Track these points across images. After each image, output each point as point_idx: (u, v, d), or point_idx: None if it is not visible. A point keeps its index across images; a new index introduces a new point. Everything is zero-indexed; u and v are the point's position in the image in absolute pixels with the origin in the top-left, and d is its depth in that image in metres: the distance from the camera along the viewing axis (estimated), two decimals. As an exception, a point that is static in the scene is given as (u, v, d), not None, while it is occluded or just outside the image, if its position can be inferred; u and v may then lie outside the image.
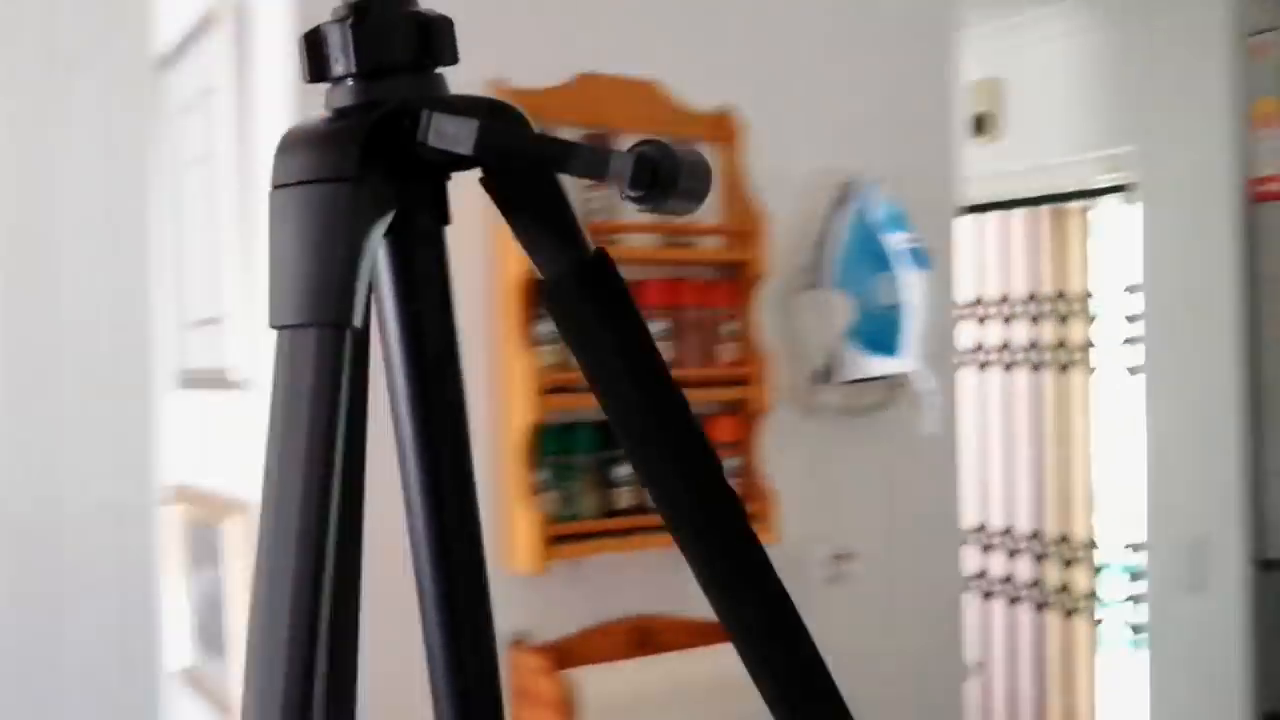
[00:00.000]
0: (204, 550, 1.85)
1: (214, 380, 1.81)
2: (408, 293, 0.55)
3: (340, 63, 0.54)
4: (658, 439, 0.55)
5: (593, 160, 0.50)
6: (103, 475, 2.37)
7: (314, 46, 0.54)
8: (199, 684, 1.95)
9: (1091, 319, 3.39)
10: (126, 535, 2.34)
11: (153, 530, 2.20)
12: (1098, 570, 3.40)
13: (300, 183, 0.52)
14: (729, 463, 1.85)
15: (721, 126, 1.87)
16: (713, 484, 0.55)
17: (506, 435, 1.66)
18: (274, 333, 0.52)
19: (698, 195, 0.51)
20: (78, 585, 2.36)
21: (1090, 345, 3.39)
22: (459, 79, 0.56)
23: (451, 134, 0.51)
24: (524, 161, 0.52)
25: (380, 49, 0.53)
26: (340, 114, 0.54)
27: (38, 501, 2.35)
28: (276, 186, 0.52)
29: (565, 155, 0.51)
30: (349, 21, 0.53)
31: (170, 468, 2.15)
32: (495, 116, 0.54)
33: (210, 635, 1.87)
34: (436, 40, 0.54)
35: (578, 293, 0.55)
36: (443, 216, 0.57)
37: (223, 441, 1.90)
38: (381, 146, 0.52)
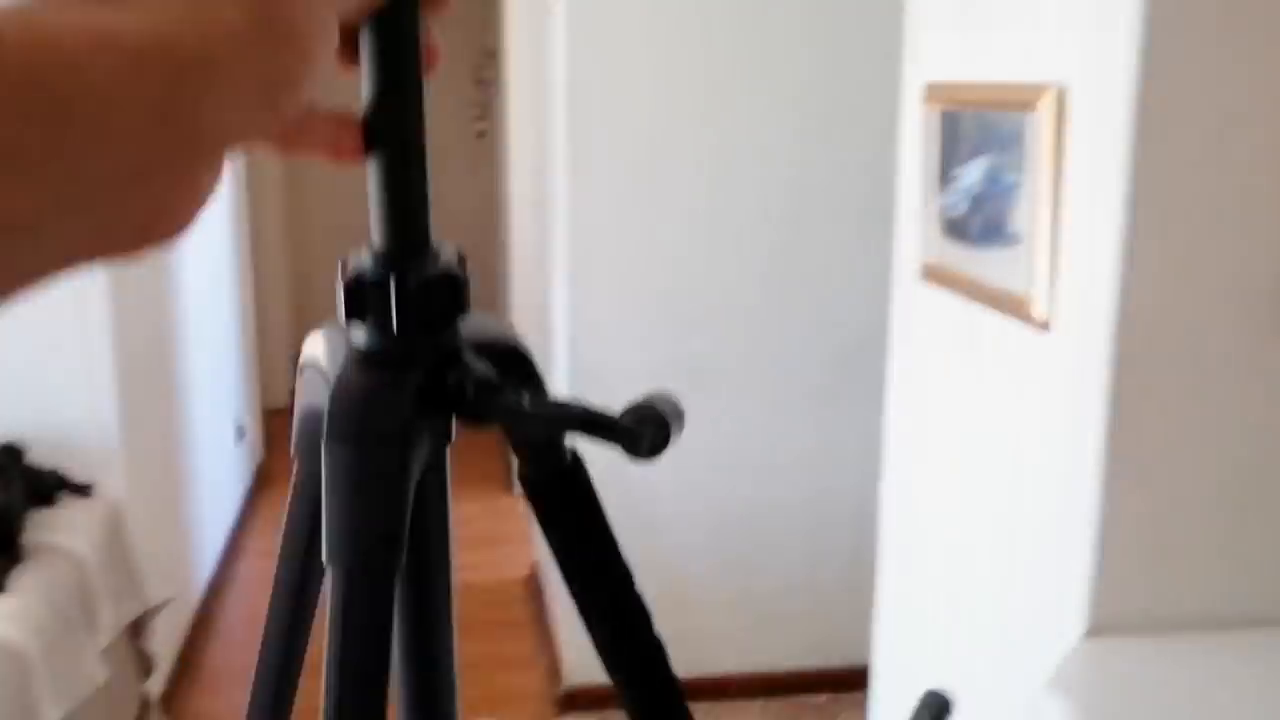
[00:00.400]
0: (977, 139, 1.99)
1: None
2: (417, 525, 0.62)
3: (378, 311, 0.57)
4: (610, 610, 0.68)
5: (603, 424, 0.56)
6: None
7: (352, 292, 0.57)
8: (941, 276, 2.16)
9: None
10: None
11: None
12: None
13: (353, 440, 0.57)
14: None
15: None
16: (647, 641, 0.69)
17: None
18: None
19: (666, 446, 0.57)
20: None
21: None
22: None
23: (506, 409, 0.57)
24: (554, 429, 0.60)
25: (421, 308, 0.57)
26: (381, 362, 0.58)
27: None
28: (329, 440, 0.57)
29: (585, 422, 0.56)
30: (391, 279, 0.56)
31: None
32: (513, 363, 0.61)
33: (962, 227, 2.05)
34: (463, 294, 0.59)
35: (559, 492, 0.66)
36: (448, 435, 0.64)
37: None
38: (427, 404, 0.58)
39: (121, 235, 0.32)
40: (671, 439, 0.56)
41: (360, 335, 0.59)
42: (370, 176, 0.53)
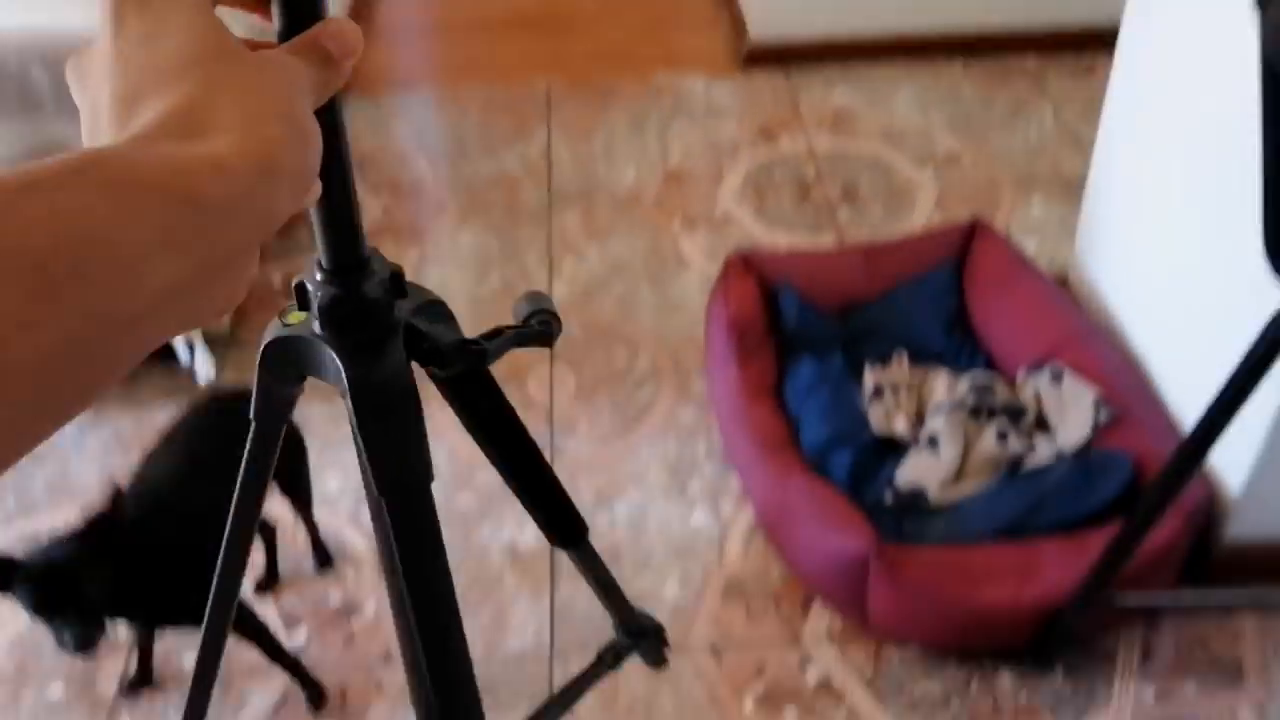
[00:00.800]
0: None
1: None
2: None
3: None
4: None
5: (527, 336, 0.76)
6: None
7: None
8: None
9: None
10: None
11: None
12: None
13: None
14: None
15: None
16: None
17: None
18: None
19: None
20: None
21: None
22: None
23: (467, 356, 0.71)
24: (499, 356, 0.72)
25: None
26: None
27: None
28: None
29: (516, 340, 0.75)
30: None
31: None
32: (440, 311, 0.72)
33: None
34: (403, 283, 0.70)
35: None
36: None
37: None
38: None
39: (219, 302, 0.41)
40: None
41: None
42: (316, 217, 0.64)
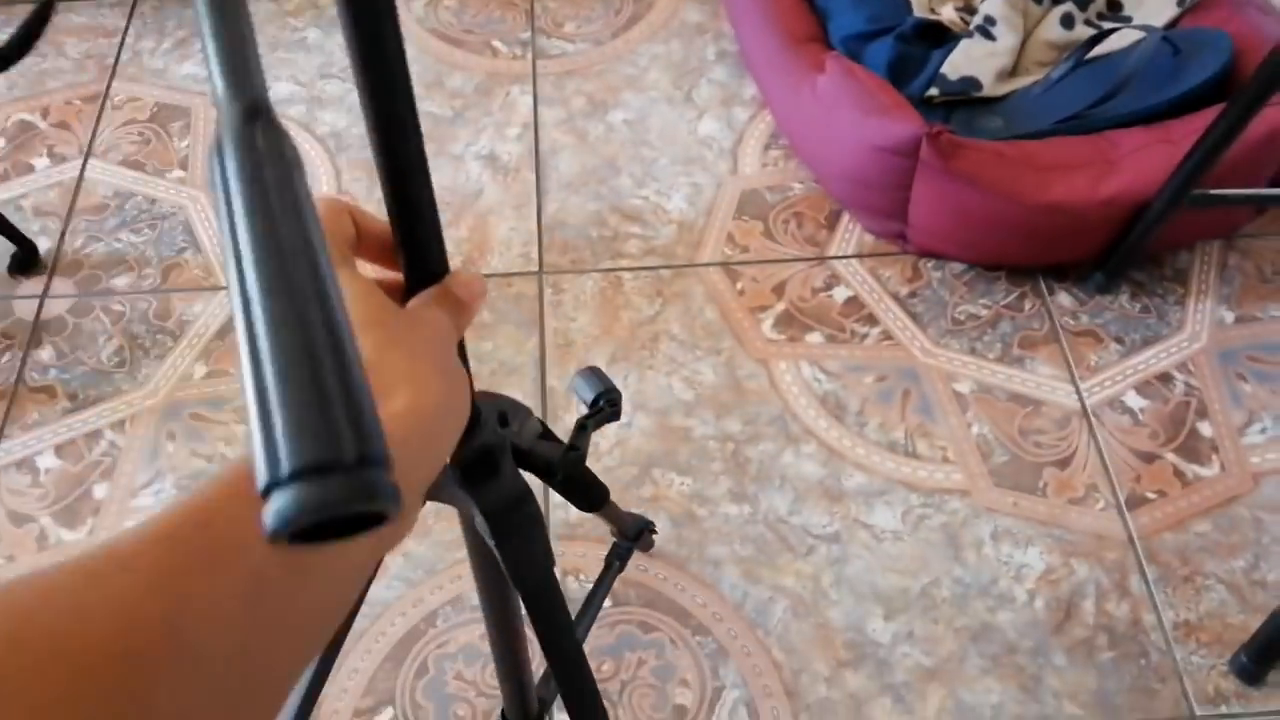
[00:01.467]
0: None
1: None
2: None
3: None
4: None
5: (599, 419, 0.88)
6: None
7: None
8: None
9: None
10: None
11: None
12: None
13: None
14: None
15: None
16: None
17: None
18: None
19: None
20: None
21: None
22: None
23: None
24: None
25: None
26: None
27: None
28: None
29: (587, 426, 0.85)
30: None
31: None
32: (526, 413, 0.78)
33: None
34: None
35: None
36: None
37: None
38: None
39: (397, 538, 0.44)
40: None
41: None
42: None
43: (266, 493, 0.24)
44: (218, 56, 0.28)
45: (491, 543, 0.73)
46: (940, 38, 1.72)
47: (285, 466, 0.24)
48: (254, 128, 0.28)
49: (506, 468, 0.72)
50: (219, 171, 0.28)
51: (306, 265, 0.27)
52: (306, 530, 0.24)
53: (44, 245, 1.69)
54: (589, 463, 0.86)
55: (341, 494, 0.24)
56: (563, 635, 0.81)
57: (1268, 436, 1.45)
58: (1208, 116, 1.40)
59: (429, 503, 0.61)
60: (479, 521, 0.72)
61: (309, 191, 0.28)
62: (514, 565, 0.74)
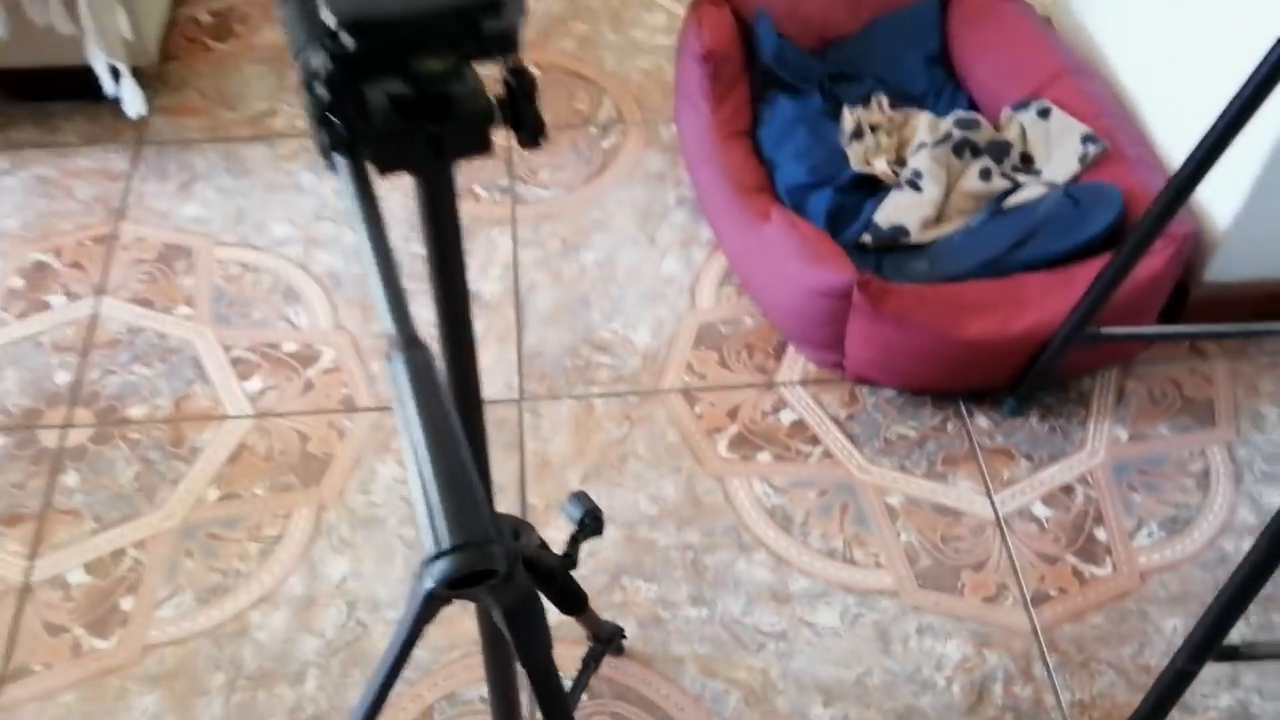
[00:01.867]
0: None
1: None
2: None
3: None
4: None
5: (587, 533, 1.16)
6: None
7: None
8: None
9: None
10: None
11: None
12: None
13: None
14: None
15: None
16: None
17: None
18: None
19: None
20: None
21: None
22: None
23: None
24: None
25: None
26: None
27: None
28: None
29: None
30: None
31: None
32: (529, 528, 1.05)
33: None
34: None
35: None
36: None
37: None
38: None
39: None
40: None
41: None
42: None
43: (430, 561, 0.46)
44: (389, 307, 0.53)
45: (506, 632, 0.90)
46: (874, 188, 1.95)
47: (445, 543, 0.48)
48: (414, 351, 0.53)
49: (519, 573, 0.90)
50: (398, 376, 0.52)
51: (449, 429, 0.51)
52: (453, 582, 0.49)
53: (63, 378, 1.87)
54: (569, 575, 1.05)
55: (476, 560, 0.48)
56: (558, 699, 0.99)
57: (1154, 540, 1.66)
58: (1102, 262, 1.63)
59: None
60: (496, 615, 0.89)
61: (445, 386, 0.55)
62: (523, 648, 0.92)
